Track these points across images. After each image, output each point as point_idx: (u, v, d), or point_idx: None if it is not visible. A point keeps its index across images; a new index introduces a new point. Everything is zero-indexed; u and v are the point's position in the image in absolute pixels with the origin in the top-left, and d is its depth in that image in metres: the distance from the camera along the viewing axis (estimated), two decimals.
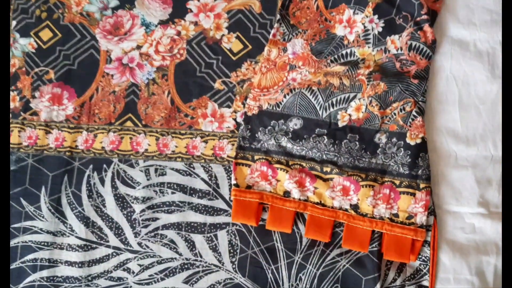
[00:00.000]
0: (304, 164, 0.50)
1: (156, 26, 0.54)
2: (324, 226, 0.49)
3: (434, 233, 0.49)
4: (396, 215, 0.49)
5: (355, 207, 0.49)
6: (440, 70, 0.52)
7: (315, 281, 0.50)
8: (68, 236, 0.52)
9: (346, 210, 0.49)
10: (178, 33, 0.54)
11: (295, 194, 0.49)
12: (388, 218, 0.48)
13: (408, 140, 0.49)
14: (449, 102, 0.51)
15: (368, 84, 0.51)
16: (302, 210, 0.49)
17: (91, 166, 0.53)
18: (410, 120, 0.50)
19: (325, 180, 0.50)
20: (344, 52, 0.52)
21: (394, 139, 0.50)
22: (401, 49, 0.51)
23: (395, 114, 0.50)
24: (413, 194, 0.49)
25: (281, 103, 0.51)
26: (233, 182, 0.50)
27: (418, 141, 0.49)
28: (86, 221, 0.52)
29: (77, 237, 0.52)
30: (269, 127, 0.51)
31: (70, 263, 0.51)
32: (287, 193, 0.50)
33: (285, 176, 0.49)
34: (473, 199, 0.50)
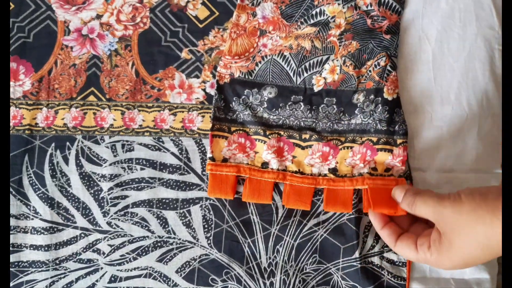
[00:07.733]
0: (282, 133, 0.48)
1: None
2: (305, 195, 0.47)
3: None
4: (375, 169, 0.47)
5: (333, 170, 0.48)
6: (412, 29, 0.50)
7: (293, 252, 0.49)
8: (32, 219, 0.49)
9: (325, 175, 0.48)
10: (140, 1, 0.51)
11: (274, 164, 0.47)
12: (367, 173, 0.47)
13: (385, 96, 0.48)
14: (423, 61, 0.50)
15: (340, 45, 0.49)
16: (281, 180, 0.47)
17: (53, 144, 0.50)
18: (385, 75, 0.48)
19: (303, 148, 0.48)
20: (313, 12, 0.50)
21: (372, 96, 0.48)
22: (371, 5, 0.50)
23: (370, 71, 0.49)
24: (391, 151, 0.48)
25: (253, 71, 0.49)
26: (209, 155, 0.48)
27: (395, 96, 0.48)
28: (51, 202, 0.49)
29: (41, 219, 0.49)
30: (243, 97, 0.49)
31: (36, 247, 0.49)
32: (265, 164, 0.48)
33: (263, 147, 0.48)
34: (450, 159, 0.49)
